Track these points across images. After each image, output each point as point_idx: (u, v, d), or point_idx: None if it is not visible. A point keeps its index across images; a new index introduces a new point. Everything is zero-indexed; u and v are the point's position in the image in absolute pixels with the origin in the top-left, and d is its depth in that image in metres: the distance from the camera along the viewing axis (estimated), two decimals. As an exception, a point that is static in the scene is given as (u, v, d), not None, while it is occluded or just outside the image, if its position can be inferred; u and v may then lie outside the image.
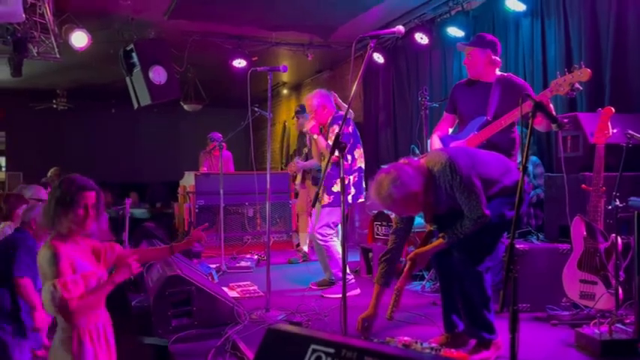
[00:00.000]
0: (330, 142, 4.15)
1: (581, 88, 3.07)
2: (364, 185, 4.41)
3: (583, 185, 3.27)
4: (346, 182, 4.13)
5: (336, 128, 4.19)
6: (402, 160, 2.74)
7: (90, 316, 2.19)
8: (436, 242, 2.76)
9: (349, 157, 4.31)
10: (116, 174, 11.72)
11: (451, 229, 2.67)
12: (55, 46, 6.37)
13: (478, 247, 2.71)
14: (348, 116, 4.22)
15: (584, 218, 3.15)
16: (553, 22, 4.92)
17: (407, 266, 2.83)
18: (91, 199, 2.22)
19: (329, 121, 4.36)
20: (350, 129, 4.27)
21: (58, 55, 6.65)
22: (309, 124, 4.40)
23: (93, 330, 2.20)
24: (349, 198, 4.25)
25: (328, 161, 3.54)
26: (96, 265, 2.28)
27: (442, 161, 2.65)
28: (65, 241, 2.18)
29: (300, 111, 5.93)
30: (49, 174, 9.27)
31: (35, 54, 6.49)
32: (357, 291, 4.24)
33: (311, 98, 4.44)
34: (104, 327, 2.27)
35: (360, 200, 4.43)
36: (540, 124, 3.20)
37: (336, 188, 4.24)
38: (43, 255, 2.13)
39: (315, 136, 4.37)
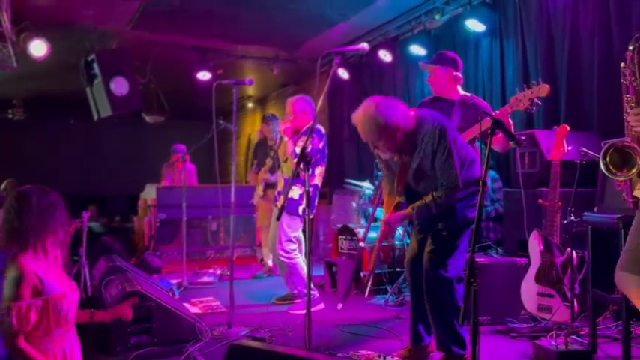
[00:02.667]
0: (297, 150, 4.12)
1: (540, 103, 3.14)
2: (316, 202, 4.43)
3: (540, 200, 3.37)
4: (300, 193, 4.14)
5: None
6: None
7: (56, 339, 2.09)
8: (408, 210, 2.82)
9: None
10: (74, 186, 11.35)
11: (421, 200, 2.75)
12: (12, 54, 6.18)
13: (447, 250, 2.77)
14: (323, 133, 4.24)
15: (541, 232, 3.25)
16: (511, 42, 5.10)
17: (382, 228, 2.95)
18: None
19: (304, 129, 4.26)
20: (320, 146, 4.22)
21: (15, 64, 6.45)
22: (284, 125, 4.34)
23: (59, 354, 2.09)
24: (299, 210, 4.22)
25: (293, 171, 3.54)
26: (67, 283, 2.16)
27: (434, 123, 2.74)
28: (35, 256, 2.06)
29: (271, 118, 5.85)
30: (2, 186, 8.93)
31: (-10, 62, 6.29)
32: (322, 305, 4.23)
33: (294, 101, 4.38)
34: (71, 350, 2.15)
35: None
36: (498, 144, 3.18)
37: (291, 194, 4.18)
38: (9, 271, 2.01)
39: (286, 139, 4.34)
